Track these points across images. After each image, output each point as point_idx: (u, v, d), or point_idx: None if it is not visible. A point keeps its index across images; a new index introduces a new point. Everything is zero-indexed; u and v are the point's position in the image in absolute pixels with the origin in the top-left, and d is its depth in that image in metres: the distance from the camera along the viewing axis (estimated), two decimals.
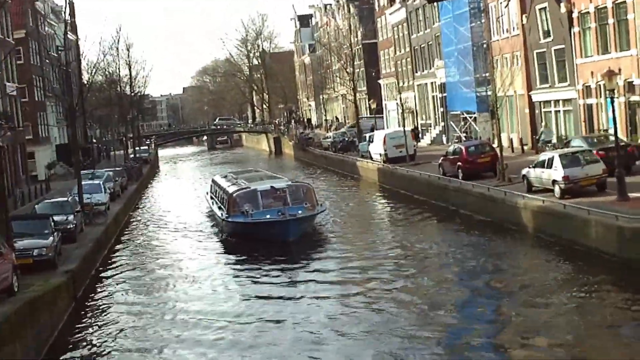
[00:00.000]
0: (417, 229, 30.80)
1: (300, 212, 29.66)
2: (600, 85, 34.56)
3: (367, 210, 38.30)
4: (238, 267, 26.93)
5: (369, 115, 69.79)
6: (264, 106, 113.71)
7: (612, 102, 25.80)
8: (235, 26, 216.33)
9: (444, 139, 55.72)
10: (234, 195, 31.67)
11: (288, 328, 18.69)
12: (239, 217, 30.48)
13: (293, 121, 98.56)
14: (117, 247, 32.90)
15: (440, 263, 24.45)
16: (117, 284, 25.42)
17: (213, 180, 40.52)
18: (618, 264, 20.98)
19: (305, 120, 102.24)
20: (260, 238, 29.37)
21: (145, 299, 23.09)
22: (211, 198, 38.67)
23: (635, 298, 18.42)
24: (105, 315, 21.56)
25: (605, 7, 33.94)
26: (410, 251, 26.41)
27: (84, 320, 21.08)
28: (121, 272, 27.39)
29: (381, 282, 22.03)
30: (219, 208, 34.20)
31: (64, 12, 40.25)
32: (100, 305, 22.67)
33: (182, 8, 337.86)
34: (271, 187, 31.61)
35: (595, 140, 31.06)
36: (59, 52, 53.49)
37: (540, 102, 42.08)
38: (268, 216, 29.61)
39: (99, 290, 24.73)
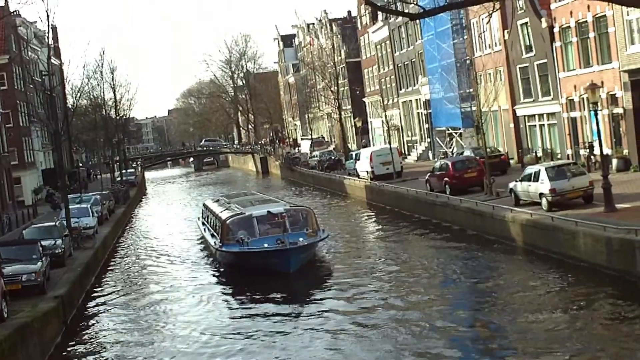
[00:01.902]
0: (409, 247, 30.48)
1: (301, 239, 26.86)
2: (583, 98, 34.90)
3: (360, 229, 37.77)
4: (232, 297, 25.40)
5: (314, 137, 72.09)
6: (250, 126, 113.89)
7: (596, 114, 26.06)
8: (218, 47, 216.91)
9: (430, 155, 55.97)
10: (228, 222, 29.16)
11: None
12: (233, 247, 27.83)
13: (277, 140, 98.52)
14: (106, 271, 32.67)
15: (436, 281, 24.01)
16: (106, 309, 25.23)
17: (204, 205, 38.11)
18: (607, 275, 21.08)
19: (292, 139, 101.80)
20: (258, 269, 26.86)
21: (135, 324, 22.89)
22: (203, 224, 36.31)
23: (625, 309, 18.49)
24: (95, 340, 21.42)
25: (586, 21, 34.34)
26: (406, 270, 25.83)
27: (74, 346, 20.94)
28: (111, 297, 27.19)
29: (389, 310, 20.80)
30: (212, 235, 31.80)
31: (47, 37, 40.11)
32: (91, 330, 22.52)
33: (166, 29, 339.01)
34: (268, 212, 28.96)
35: (480, 151, 38.26)
36: (43, 76, 53.44)
37: (524, 116, 42.40)
38: (266, 245, 26.89)
39: (88, 315, 24.56)
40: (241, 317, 22.23)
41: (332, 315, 20.98)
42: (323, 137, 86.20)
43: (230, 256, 28.59)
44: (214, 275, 29.36)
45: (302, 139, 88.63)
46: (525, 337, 17.34)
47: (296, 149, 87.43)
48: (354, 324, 19.80)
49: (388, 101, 63.01)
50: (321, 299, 23.07)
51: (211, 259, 31.91)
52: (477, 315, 19.88)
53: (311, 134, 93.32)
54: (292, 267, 26.00)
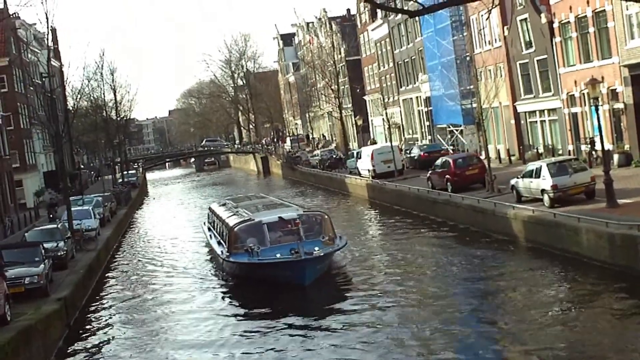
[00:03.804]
0: (416, 248, 29.33)
1: (317, 248, 24.39)
2: (584, 93, 34.86)
3: (366, 230, 36.65)
4: (241, 311, 23.49)
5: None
6: (251, 126, 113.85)
7: (597, 110, 26.01)
8: (218, 47, 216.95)
9: None
10: (236, 229, 26.81)
11: None
12: (242, 257, 25.44)
13: (278, 140, 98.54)
14: (109, 272, 32.66)
15: (447, 284, 23.41)
16: (110, 311, 25.21)
17: (210, 209, 35.73)
18: (610, 270, 21.06)
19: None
20: (269, 281, 24.56)
21: (138, 325, 22.86)
22: (209, 229, 33.96)
23: (628, 304, 18.47)
24: (99, 342, 21.40)
25: (586, 16, 34.30)
26: (417, 273, 25.09)
27: (77, 348, 20.92)
28: (114, 298, 27.18)
29: (410, 323, 19.47)
30: (219, 243, 29.44)
31: (47, 39, 40.09)
32: (94, 332, 22.51)
33: (170, 30, 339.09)
34: (279, 218, 26.61)
35: (425, 146, 48.48)
36: (43, 79, 53.40)
37: (525, 112, 42.37)
38: (278, 255, 24.34)
39: (92, 316, 24.54)
40: (250, 334, 20.31)
41: (354, 333, 18.95)
42: (301, 134, 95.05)
43: (238, 267, 26.32)
44: (220, 287, 27.07)
45: (286, 137, 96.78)
46: (528, 334, 17.31)
47: (285, 146, 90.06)
48: (376, 342, 18.05)
49: (389, 99, 62.99)
50: (340, 315, 20.92)
51: (218, 268, 29.57)
52: (484, 315, 19.63)
53: (312, 133, 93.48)
54: (307, 280, 23.68)
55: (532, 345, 16.62)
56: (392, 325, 19.37)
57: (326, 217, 28.06)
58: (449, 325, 18.80)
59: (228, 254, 26.60)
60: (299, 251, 23.55)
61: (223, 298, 25.47)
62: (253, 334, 20.23)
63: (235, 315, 22.83)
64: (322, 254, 24.39)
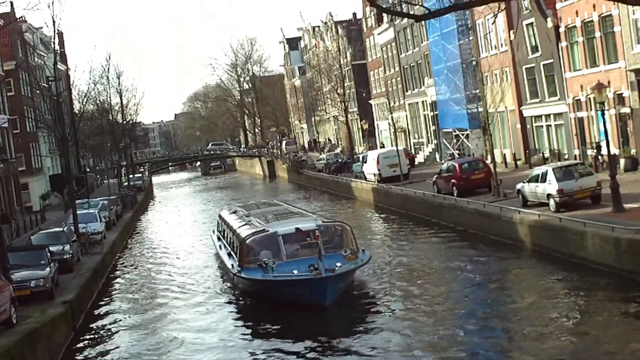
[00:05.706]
0: (428, 254, 28.69)
1: (338, 264, 21.81)
2: (590, 98, 34.79)
3: (377, 236, 35.60)
4: (253, 333, 21.34)
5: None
6: (256, 130, 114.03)
7: (603, 114, 25.93)
8: (224, 50, 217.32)
9: (437, 156, 55.92)
10: (248, 241, 24.47)
11: None
12: (255, 272, 23.03)
13: (284, 143, 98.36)
14: (115, 276, 32.71)
15: (455, 287, 23.32)
16: (115, 314, 25.23)
17: (220, 217, 33.27)
18: (616, 275, 21.00)
19: (312, 142, 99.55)
20: (285, 300, 22.29)
21: (144, 329, 22.83)
22: (218, 239, 31.62)
23: (635, 309, 18.40)
24: (104, 345, 21.42)
25: (592, 20, 34.25)
26: (435, 283, 24.11)
27: (83, 351, 20.94)
28: (119, 301, 27.24)
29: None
30: (229, 255, 27.20)
31: (53, 43, 40.19)
32: (100, 336, 22.52)
33: (170, 29, 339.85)
34: (296, 229, 24.13)
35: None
36: (50, 82, 53.62)
37: (531, 117, 42.31)
38: (295, 271, 21.85)
39: (97, 320, 24.55)
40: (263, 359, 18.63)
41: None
42: (293, 138, 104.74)
43: (251, 284, 23.95)
44: (230, 304, 24.82)
45: (282, 140, 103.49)
46: (535, 339, 17.26)
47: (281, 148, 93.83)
48: None
49: (394, 103, 62.98)
50: (365, 339, 18.87)
51: (228, 282, 27.24)
52: (497, 322, 19.39)
53: (317, 137, 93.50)
54: (328, 300, 21.28)
55: (537, 351, 16.56)
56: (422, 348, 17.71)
57: (347, 227, 25.53)
58: (472, 345, 17.64)
59: (239, 268, 24.27)
60: (319, 267, 21.07)
61: (233, 317, 23.41)
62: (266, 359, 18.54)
63: (246, 338, 20.80)
64: (344, 271, 21.96)
